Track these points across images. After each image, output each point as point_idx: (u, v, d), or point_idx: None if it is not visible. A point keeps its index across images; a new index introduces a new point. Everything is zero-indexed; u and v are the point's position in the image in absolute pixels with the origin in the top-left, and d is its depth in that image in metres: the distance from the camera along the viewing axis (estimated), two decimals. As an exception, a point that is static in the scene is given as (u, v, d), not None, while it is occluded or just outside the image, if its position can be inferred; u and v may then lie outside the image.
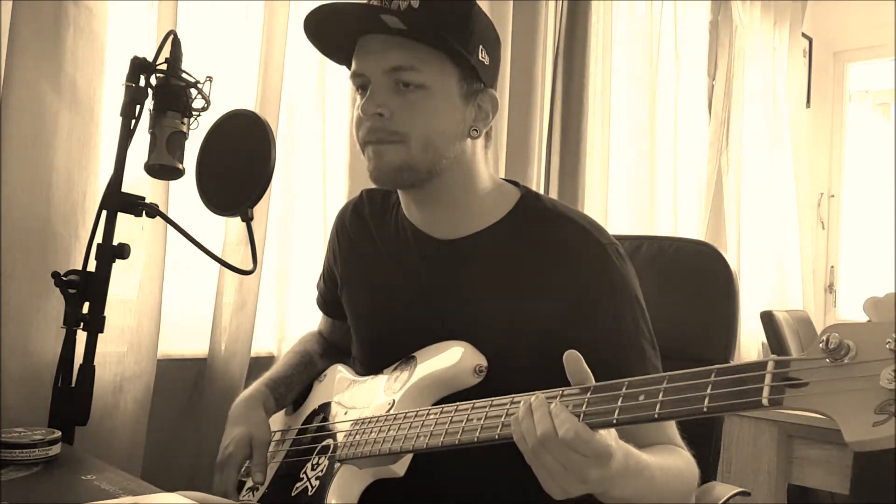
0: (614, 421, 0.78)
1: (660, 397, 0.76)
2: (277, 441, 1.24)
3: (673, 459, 0.98)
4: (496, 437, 0.88)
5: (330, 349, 1.36)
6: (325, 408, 1.20)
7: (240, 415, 1.20)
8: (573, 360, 0.83)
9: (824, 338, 0.65)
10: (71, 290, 1.22)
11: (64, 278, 1.22)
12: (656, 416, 0.76)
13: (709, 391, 0.73)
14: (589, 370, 0.83)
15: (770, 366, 0.69)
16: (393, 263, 1.17)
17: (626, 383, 0.80)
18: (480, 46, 1.05)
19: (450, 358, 1.05)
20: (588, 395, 0.81)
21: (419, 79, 1.02)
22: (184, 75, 1.28)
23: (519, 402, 0.86)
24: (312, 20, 1.06)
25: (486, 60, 1.06)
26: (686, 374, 0.75)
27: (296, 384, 1.29)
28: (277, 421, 1.29)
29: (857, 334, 0.64)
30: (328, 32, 1.08)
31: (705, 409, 0.72)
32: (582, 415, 0.80)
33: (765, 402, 0.68)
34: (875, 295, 0.65)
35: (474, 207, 1.11)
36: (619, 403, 0.78)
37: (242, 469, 1.15)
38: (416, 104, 1.03)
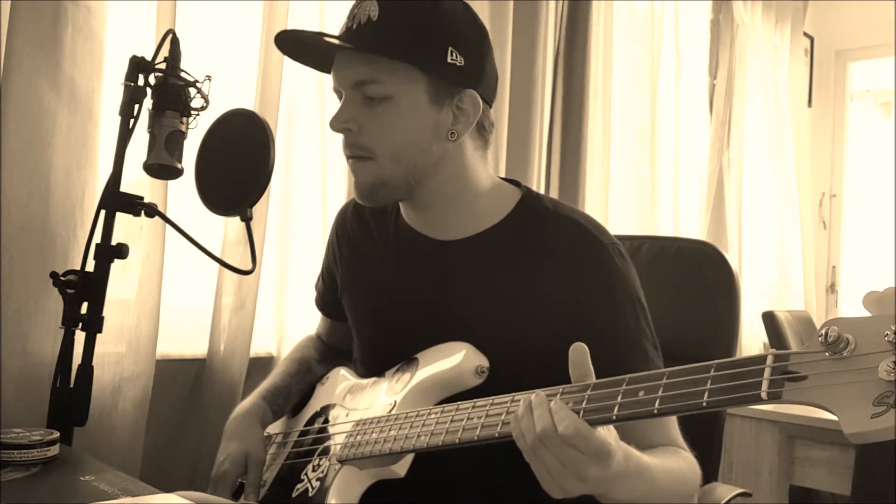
0: (614, 417, 0.78)
1: (659, 393, 0.76)
2: (279, 443, 1.24)
3: (675, 461, 0.98)
4: (496, 434, 0.88)
5: (328, 354, 1.35)
6: (326, 410, 1.20)
7: (236, 430, 1.20)
8: (579, 351, 0.83)
9: (823, 331, 0.65)
10: (69, 290, 1.21)
11: (62, 278, 1.22)
12: (655, 411, 0.75)
13: (708, 386, 0.73)
14: (591, 367, 0.83)
15: (769, 360, 0.69)
16: (394, 265, 1.17)
17: (626, 380, 0.79)
18: (450, 49, 1.02)
19: (451, 359, 1.04)
20: (588, 392, 0.81)
21: (383, 91, 1.01)
22: (183, 74, 1.28)
23: (519, 400, 0.86)
24: (280, 46, 1.09)
25: (460, 61, 1.03)
26: (686, 370, 0.75)
27: (294, 393, 1.28)
28: (278, 424, 1.29)
29: (856, 328, 0.64)
30: (302, 54, 1.11)
31: (704, 404, 0.72)
32: (582, 411, 0.80)
33: (763, 395, 0.68)
34: (875, 290, 0.65)
35: (473, 209, 1.11)
36: (619, 399, 0.78)
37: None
38: (382, 117, 1.03)
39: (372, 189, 1.06)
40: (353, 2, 1.05)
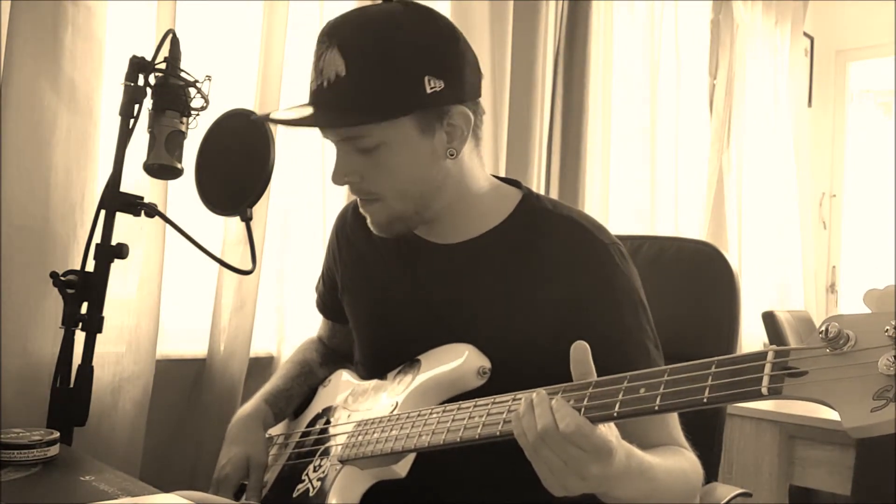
0: (615, 414, 0.78)
1: (661, 390, 0.76)
2: (280, 445, 1.24)
3: (676, 460, 0.97)
4: (498, 433, 0.88)
5: (330, 356, 1.35)
6: (328, 412, 1.20)
7: (238, 434, 1.20)
8: (581, 350, 0.83)
9: (824, 327, 0.65)
10: (69, 290, 1.22)
11: (62, 278, 1.22)
12: (657, 408, 0.76)
13: (709, 382, 0.73)
14: (593, 365, 0.83)
15: (770, 356, 0.70)
16: (395, 267, 1.17)
17: (627, 377, 0.80)
18: (426, 79, 0.99)
19: (453, 360, 1.04)
20: (589, 389, 0.81)
21: (373, 141, 1.01)
22: (183, 74, 1.28)
23: (521, 398, 0.86)
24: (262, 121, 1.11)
25: (439, 86, 1.00)
26: (687, 367, 0.76)
27: (296, 396, 1.28)
28: (280, 426, 1.28)
29: (856, 324, 0.65)
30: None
31: (705, 400, 0.73)
32: (583, 409, 0.80)
33: (764, 391, 0.68)
34: (876, 287, 0.65)
35: (473, 211, 1.11)
36: (620, 397, 0.78)
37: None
38: (380, 162, 1.02)
39: (388, 225, 1.08)
40: (316, 50, 1.01)
